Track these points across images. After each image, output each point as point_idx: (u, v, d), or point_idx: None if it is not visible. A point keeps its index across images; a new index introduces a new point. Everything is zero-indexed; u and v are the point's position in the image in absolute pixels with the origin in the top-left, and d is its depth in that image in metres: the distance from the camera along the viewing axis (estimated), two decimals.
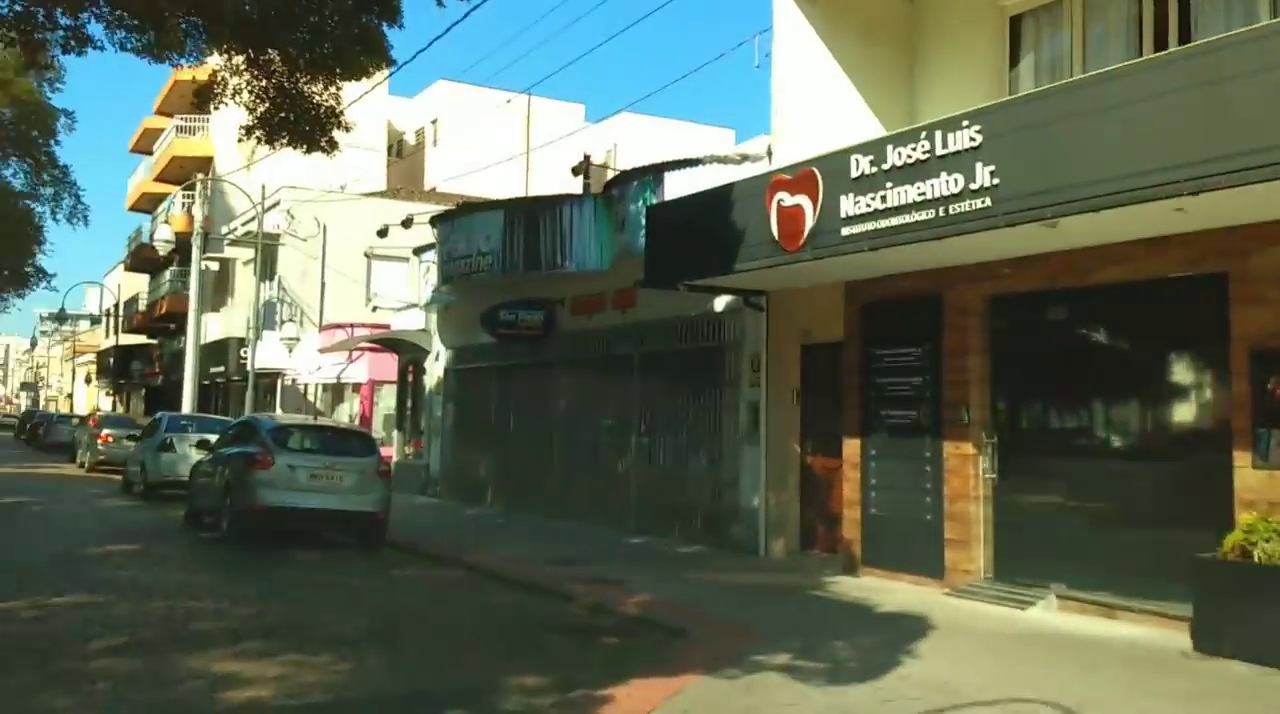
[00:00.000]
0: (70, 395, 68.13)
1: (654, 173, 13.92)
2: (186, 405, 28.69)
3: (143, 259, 44.73)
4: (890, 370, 10.97)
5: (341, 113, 12.72)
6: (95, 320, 61.06)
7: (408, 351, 23.29)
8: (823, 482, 12.27)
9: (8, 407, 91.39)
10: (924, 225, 8.53)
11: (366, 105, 39.58)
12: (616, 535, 14.51)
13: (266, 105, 12.35)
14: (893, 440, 10.90)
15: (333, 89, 12.54)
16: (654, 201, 13.67)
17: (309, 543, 13.01)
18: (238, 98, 12.32)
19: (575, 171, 14.31)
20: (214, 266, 34.36)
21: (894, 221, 8.80)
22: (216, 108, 12.37)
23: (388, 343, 23.62)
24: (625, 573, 10.85)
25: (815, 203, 9.51)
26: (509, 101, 34.94)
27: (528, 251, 15.65)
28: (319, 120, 12.47)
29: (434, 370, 21.48)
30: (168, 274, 40.48)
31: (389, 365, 26.23)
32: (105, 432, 26.65)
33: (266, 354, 27.27)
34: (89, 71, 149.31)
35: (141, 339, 47.11)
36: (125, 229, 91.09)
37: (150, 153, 45.00)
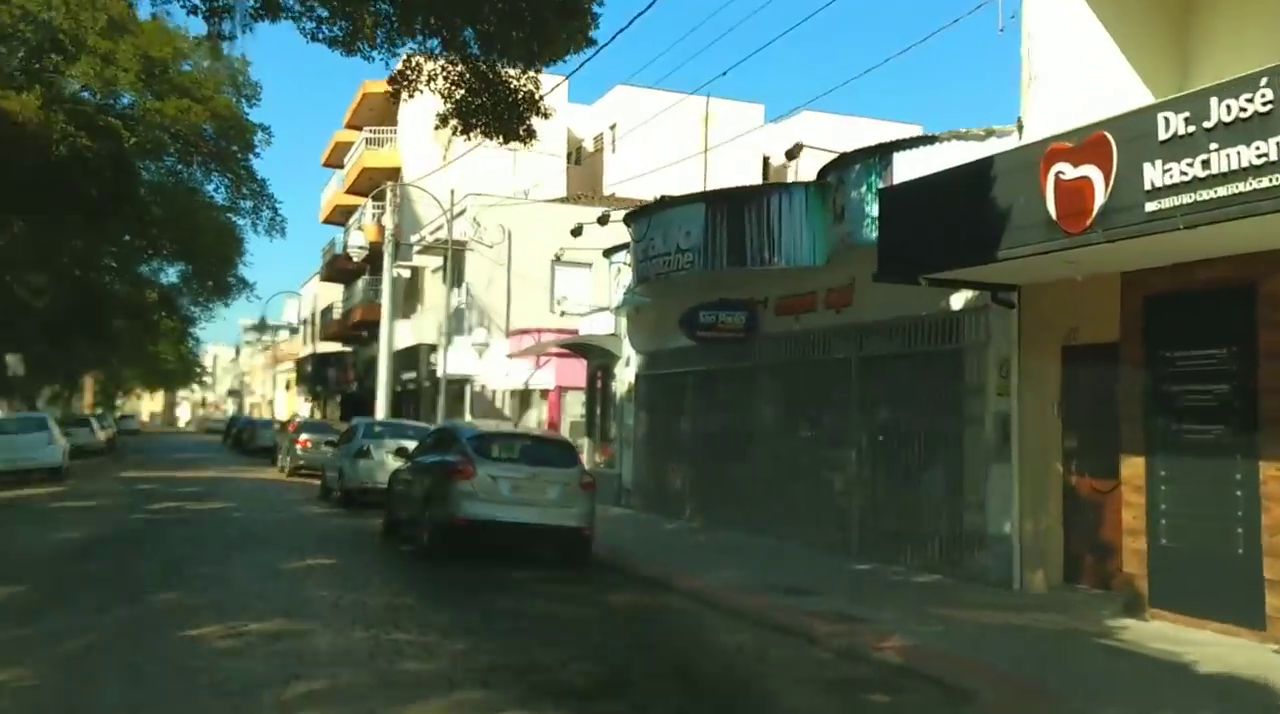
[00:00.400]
0: (271, 401, 71.58)
1: (879, 154, 12.48)
2: (380, 411, 28.93)
3: (336, 269, 46.11)
4: (1184, 376, 9.20)
5: (541, 98, 11.87)
6: (293, 330, 63.84)
7: (597, 357, 22.54)
8: (1091, 506, 10.54)
9: (216, 412, 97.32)
10: (1268, 194, 6.84)
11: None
12: (835, 559, 13.15)
13: (463, 92, 11.62)
14: (1188, 459, 9.13)
15: (530, 73, 11.69)
16: (880, 187, 12.25)
17: (513, 559, 12.22)
18: (432, 84, 11.65)
19: (790, 155, 13.05)
20: (405, 273, 34.80)
21: (1220, 191, 7.13)
22: (411, 96, 11.73)
23: (576, 348, 22.94)
24: (864, 607, 9.50)
25: (1107, 174, 7.92)
26: (682, 101, 33.92)
27: (731, 247, 14.47)
28: (516, 106, 11.65)
29: (624, 376, 20.60)
30: (360, 283, 41.46)
31: (577, 371, 25.62)
32: (304, 437, 27.09)
33: (457, 360, 27.13)
34: (282, 87, 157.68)
35: (337, 347, 48.62)
36: (319, 241, 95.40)
37: (341, 166, 46.36)
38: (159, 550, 12.16)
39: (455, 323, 29.68)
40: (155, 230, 33.61)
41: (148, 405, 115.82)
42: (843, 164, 13.29)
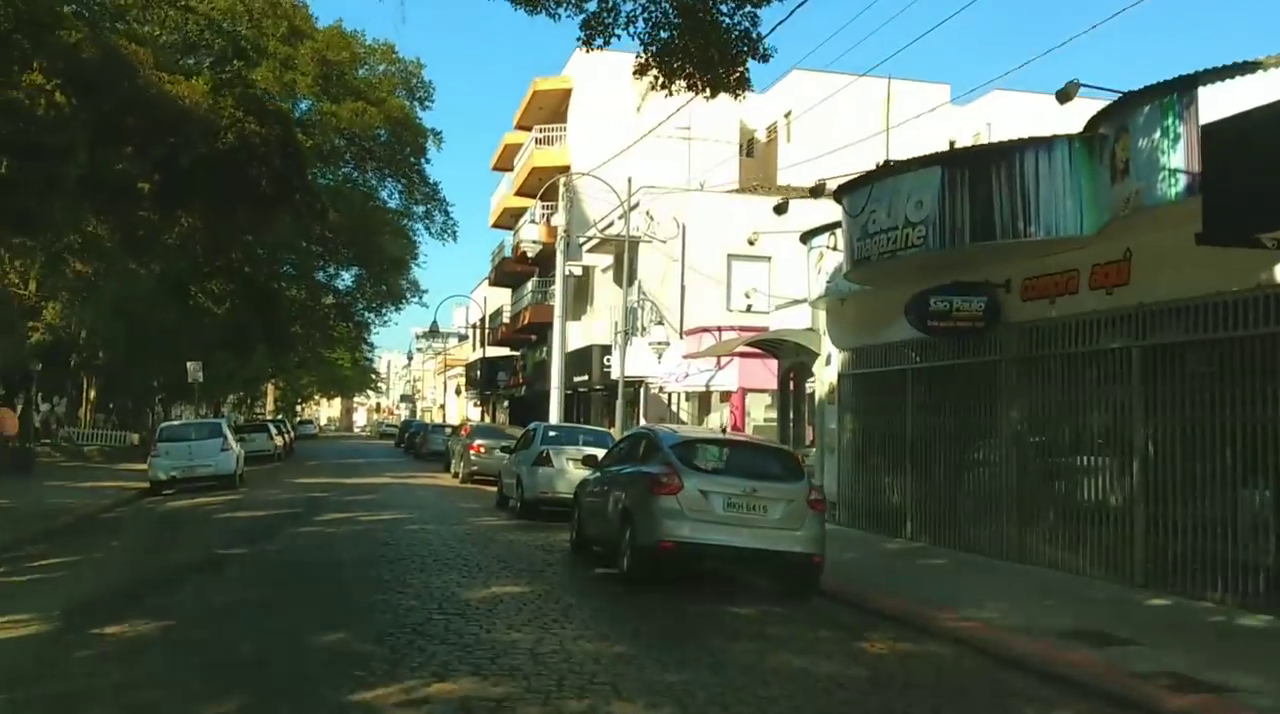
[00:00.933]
0: (442, 406, 72.40)
1: (1179, 90, 9.95)
2: (553, 415, 27.63)
3: (505, 273, 45.68)
4: None
5: (761, 38, 9.89)
6: (462, 337, 64.17)
7: (788, 355, 20.46)
8: None
9: (389, 417, 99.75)
10: None
11: (719, 102, 37.90)
12: (1114, 589, 10.73)
13: (667, 34, 9.78)
14: None
15: (749, 7, 9.75)
16: (1181, 131, 9.78)
17: (725, 586, 10.35)
18: (630, 27, 9.84)
19: (1061, 98, 10.69)
20: (577, 271, 33.59)
21: None
22: (606, 43, 9.98)
23: (766, 346, 20.93)
24: (1208, 665, 7.15)
25: None
26: (859, 82, 31.40)
27: (975, 217, 12.15)
28: (729, 46, 9.72)
29: (824, 376, 18.43)
30: (529, 286, 40.73)
31: (763, 371, 23.59)
32: (477, 442, 26.03)
33: (634, 361, 25.50)
34: (452, 89, 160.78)
35: (505, 351, 48.20)
36: (488, 246, 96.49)
37: (510, 169, 45.79)
38: (327, 573, 10.82)
39: (628, 322, 28.13)
40: (330, 233, 33.61)
41: (326, 411, 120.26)
42: (1124, 109, 10.79)
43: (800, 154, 36.97)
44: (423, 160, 37.30)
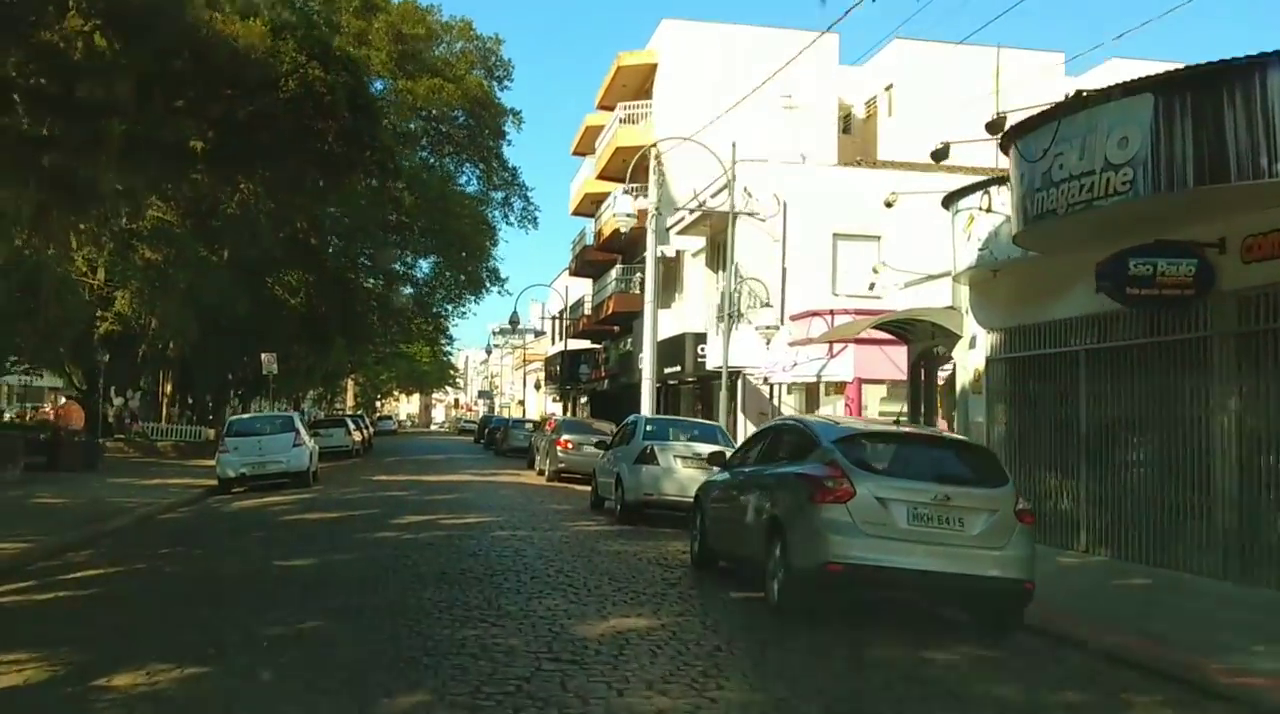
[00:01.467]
0: (521, 401, 70.89)
1: None
2: (645, 407, 25.50)
3: (586, 262, 43.83)
4: None
5: None
6: (538, 333, 62.47)
7: (921, 338, 18.03)
8: None
9: (468, 413, 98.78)
10: None
11: (817, 76, 35.32)
12: None
13: None
14: None
15: None
16: None
17: (904, 615, 8.13)
18: None
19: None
20: (669, 252, 31.45)
21: None
22: None
23: (897, 327, 18.51)
24: None
25: None
26: (963, 52, 28.65)
27: (1201, 154, 9.69)
28: None
29: (968, 361, 15.98)
30: (613, 274, 38.76)
31: (881, 359, 21.20)
32: (565, 437, 24.04)
33: (736, 348, 23.22)
34: (531, 72, 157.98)
35: (586, 344, 46.29)
36: (568, 234, 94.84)
37: (591, 152, 43.81)
38: (404, 595, 8.82)
39: (725, 308, 25.87)
40: (407, 219, 31.97)
41: (405, 408, 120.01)
42: None
43: (903, 128, 34.45)
44: (502, 143, 35.49)
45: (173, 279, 26.50)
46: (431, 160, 36.28)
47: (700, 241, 31.27)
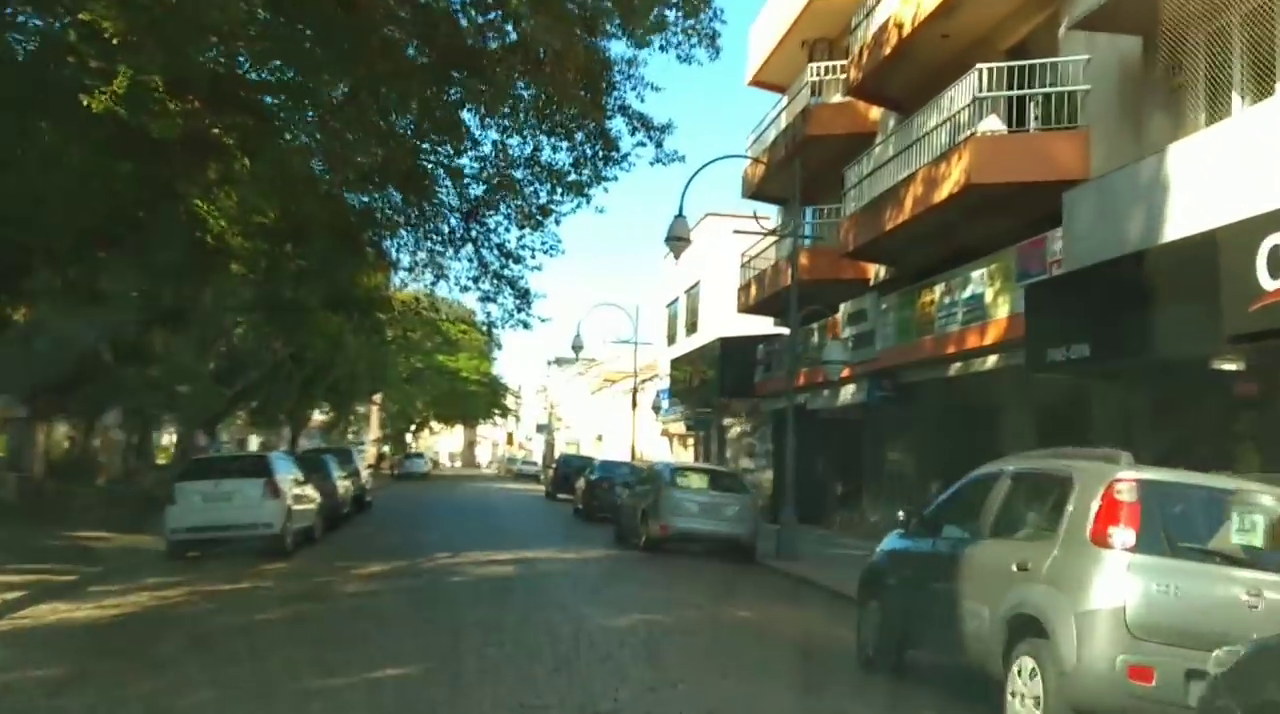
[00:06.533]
0: (600, 437, 54.31)
1: None
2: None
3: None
4: None
5: None
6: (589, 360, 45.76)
7: None
8: None
9: (520, 452, 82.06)
10: None
11: None
12: None
13: None
14: None
15: None
16: None
17: None
18: None
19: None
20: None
21: None
22: None
23: None
24: None
25: None
26: None
27: None
28: None
29: None
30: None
31: None
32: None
33: None
34: None
35: (754, 327, 29.40)
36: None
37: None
38: None
39: None
40: None
41: (445, 443, 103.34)
42: None
43: None
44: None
45: None
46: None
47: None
